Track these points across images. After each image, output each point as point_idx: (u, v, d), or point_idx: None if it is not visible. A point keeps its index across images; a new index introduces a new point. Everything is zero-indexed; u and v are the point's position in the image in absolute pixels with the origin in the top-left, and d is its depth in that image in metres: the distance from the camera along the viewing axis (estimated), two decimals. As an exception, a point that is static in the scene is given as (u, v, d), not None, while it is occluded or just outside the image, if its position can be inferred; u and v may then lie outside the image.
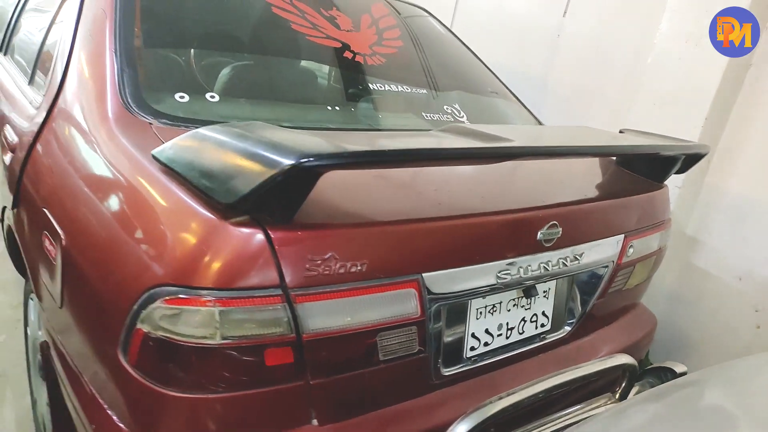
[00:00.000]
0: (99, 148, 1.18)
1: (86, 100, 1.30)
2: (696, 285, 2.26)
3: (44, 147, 1.37)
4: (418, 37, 2.10)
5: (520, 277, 1.26)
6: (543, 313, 1.44)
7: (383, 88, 1.69)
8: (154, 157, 1.04)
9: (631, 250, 1.55)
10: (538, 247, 1.27)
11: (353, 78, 1.68)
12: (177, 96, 1.32)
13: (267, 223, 0.93)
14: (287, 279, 0.93)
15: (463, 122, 1.77)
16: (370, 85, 1.68)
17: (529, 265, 1.27)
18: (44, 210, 1.25)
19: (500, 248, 1.20)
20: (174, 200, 0.99)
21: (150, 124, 1.22)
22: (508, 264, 1.22)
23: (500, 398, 1.08)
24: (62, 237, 1.15)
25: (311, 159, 0.82)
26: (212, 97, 1.36)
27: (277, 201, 0.92)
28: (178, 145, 1.00)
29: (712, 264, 2.23)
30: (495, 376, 1.34)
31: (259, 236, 0.91)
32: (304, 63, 1.65)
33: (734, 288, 2.16)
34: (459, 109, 1.82)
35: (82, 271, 1.11)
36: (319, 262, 0.96)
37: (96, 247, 1.07)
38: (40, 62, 1.67)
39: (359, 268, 1.00)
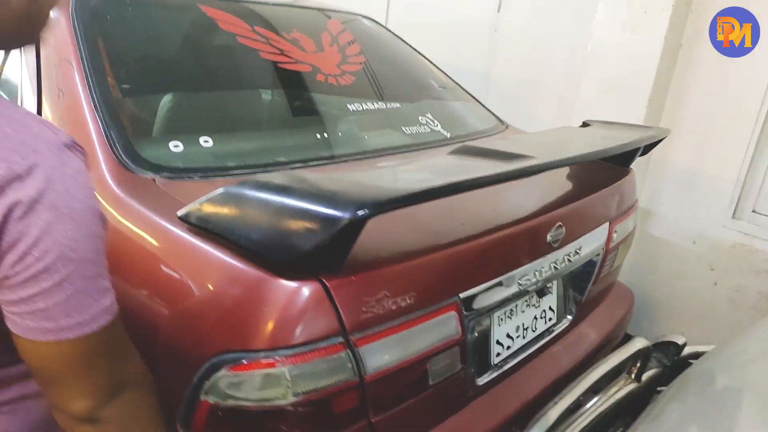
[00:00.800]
0: (108, 215, 1.12)
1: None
2: (654, 252, 2.45)
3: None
4: (375, 48, 2.12)
5: (537, 280, 1.33)
6: (550, 308, 1.52)
7: (360, 108, 1.70)
8: (181, 219, 1.00)
9: (615, 235, 1.66)
10: (548, 249, 1.34)
11: (331, 101, 1.68)
12: (171, 145, 1.26)
13: (321, 273, 0.92)
14: (347, 325, 0.94)
15: (439, 131, 1.82)
16: (348, 106, 1.68)
17: (542, 267, 1.34)
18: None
19: (519, 256, 1.26)
20: (216, 262, 0.96)
21: (153, 179, 1.17)
22: (526, 269, 1.28)
23: (555, 403, 1.14)
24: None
25: (370, 209, 0.83)
26: (206, 141, 1.31)
27: (330, 249, 0.92)
28: (211, 206, 0.97)
29: (667, 231, 2.41)
30: (518, 376, 1.41)
31: (317, 288, 0.91)
32: (282, 92, 1.63)
33: (690, 251, 2.36)
34: (432, 118, 1.86)
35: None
36: (373, 303, 0.97)
37: (139, 327, 1.02)
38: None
39: (408, 301, 1.01)
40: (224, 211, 0.96)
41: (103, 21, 1.48)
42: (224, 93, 1.54)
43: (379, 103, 1.78)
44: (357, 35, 2.03)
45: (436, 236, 1.13)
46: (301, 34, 1.82)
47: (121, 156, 1.18)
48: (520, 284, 1.28)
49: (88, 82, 1.29)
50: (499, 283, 1.21)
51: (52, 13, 1.52)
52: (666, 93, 2.31)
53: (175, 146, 1.27)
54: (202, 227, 0.98)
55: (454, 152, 1.19)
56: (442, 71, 2.25)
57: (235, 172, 1.27)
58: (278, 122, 1.55)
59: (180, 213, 1.00)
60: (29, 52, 1.41)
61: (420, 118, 1.82)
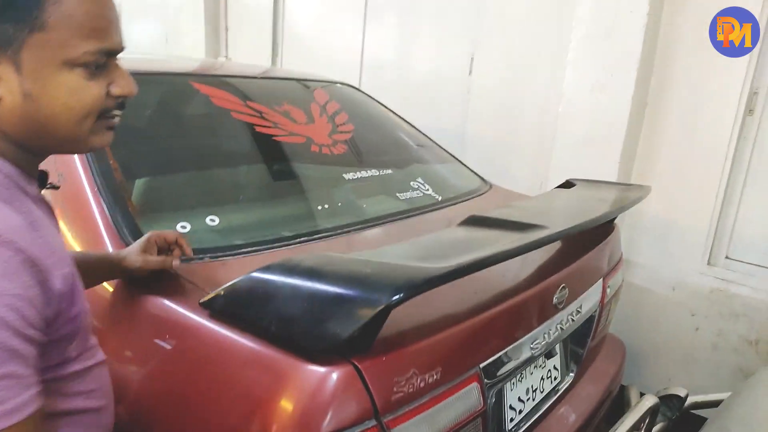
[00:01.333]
0: (117, 304, 1.10)
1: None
2: (636, 300, 2.52)
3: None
4: (361, 115, 2.17)
5: (546, 342, 1.35)
6: (554, 367, 1.53)
7: (356, 176, 1.73)
8: (203, 305, 0.99)
9: (609, 290, 1.71)
10: (554, 311, 1.37)
11: (328, 172, 1.70)
12: (179, 227, 1.26)
13: (351, 355, 0.92)
14: (379, 407, 0.93)
15: (431, 195, 1.86)
16: (344, 176, 1.71)
17: (550, 329, 1.37)
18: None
19: (530, 321, 1.29)
20: (241, 350, 0.94)
21: (164, 263, 1.15)
22: (536, 333, 1.31)
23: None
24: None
25: (405, 292, 0.84)
26: (212, 220, 1.31)
27: (361, 332, 0.92)
28: (236, 292, 0.96)
29: (647, 279, 2.50)
30: (531, 440, 1.41)
31: (349, 371, 0.90)
32: (281, 165, 1.65)
33: (670, 298, 2.44)
34: (423, 182, 1.90)
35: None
36: (403, 382, 0.96)
37: (160, 421, 0.99)
38: None
39: (435, 376, 1.02)
40: (249, 297, 0.96)
41: (100, 102, 1.49)
42: (225, 169, 1.55)
43: (372, 170, 1.82)
44: (343, 104, 2.09)
45: (453, 307, 1.14)
46: (291, 105, 1.86)
47: (128, 240, 1.17)
48: (531, 348, 1.30)
49: (88, 165, 1.28)
50: (514, 350, 1.23)
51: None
52: (636, 148, 2.44)
53: (183, 227, 1.26)
54: (226, 314, 0.97)
55: (466, 224, 1.23)
56: (424, 134, 2.32)
57: (244, 250, 1.26)
58: (279, 195, 1.57)
59: (202, 300, 0.99)
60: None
61: (412, 183, 1.87)
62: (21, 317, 0.61)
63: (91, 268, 0.99)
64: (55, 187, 0.88)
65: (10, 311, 0.59)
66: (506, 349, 1.20)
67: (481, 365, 1.14)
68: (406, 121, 2.36)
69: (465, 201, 1.93)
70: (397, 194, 1.77)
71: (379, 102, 2.41)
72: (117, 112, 0.74)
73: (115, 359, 1.05)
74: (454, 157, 2.30)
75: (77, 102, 0.68)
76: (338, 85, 2.30)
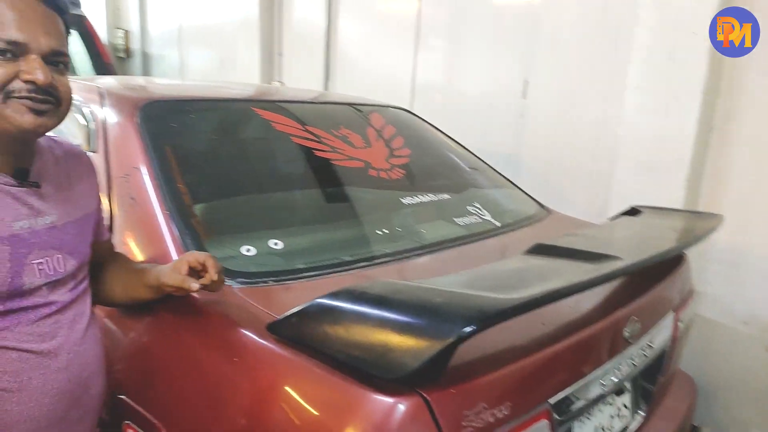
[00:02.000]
0: (186, 324, 1.11)
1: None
2: (704, 334, 2.38)
3: (112, 329, 1.25)
4: (416, 140, 2.17)
5: (617, 378, 1.28)
6: (624, 405, 1.46)
7: (414, 201, 1.72)
8: (270, 330, 0.99)
9: (681, 324, 1.62)
10: (625, 345, 1.30)
11: (386, 196, 1.70)
12: (243, 250, 1.27)
13: (419, 386, 0.89)
14: (448, 441, 0.90)
15: (489, 220, 1.83)
16: (402, 200, 1.70)
17: (621, 365, 1.30)
18: (122, 397, 1.13)
19: (600, 355, 1.23)
20: (308, 376, 0.93)
21: (230, 286, 1.16)
22: (607, 368, 1.24)
23: None
24: (159, 428, 1.05)
25: (477, 324, 0.82)
26: (275, 243, 1.32)
27: (430, 363, 0.89)
28: (303, 318, 0.96)
29: (716, 312, 2.36)
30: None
31: (418, 402, 0.88)
32: (341, 189, 1.65)
33: (742, 332, 2.30)
34: (480, 207, 1.87)
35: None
36: (472, 416, 0.93)
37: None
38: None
39: (504, 411, 0.98)
40: (317, 323, 0.95)
41: (168, 128, 1.54)
42: (287, 193, 1.57)
43: (429, 195, 1.80)
44: (399, 128, 2.09)
45: (521, 338, 1.10)
46: (348, 130, 1.87)
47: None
48: (602, 384, 1.23)
49: (159, 190, 1.32)
50: (585, 385, 1.17)
51: (117, 120, 1.59)
52: (702, 173, 2.34)
53: (247, 250, 1.27)
54: (294, 339, 0.96)
55: (533, 252, 1.19)
56: (479, 158, 2.30)
57: (307, 275, 1.26)
58: (338, 219, 1.57)
59: (269, 324, 0.99)
60: (98, 159, 1.45)
61: (469, 207, 1.84)
62: None
63: (135, 276, 1.11)
64: (37, 186, 0.95)
65: None
66: (576, 384, 1.15)
67: (551, 401, 1.09)
68: (461, 144, 2.34)
69: (524, 227, 1.89)
70: (455, 219, 1.74)
71: (433, 126, 2.40)
72: (32, 95, 0.86)
73: (185, 375, 1.07)
74: (510, 181, 2.26)
75: None
76: (393, 109, 2.31)
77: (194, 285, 1.01)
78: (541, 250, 1.18)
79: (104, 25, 7.01)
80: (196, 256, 1.04)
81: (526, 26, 2.96)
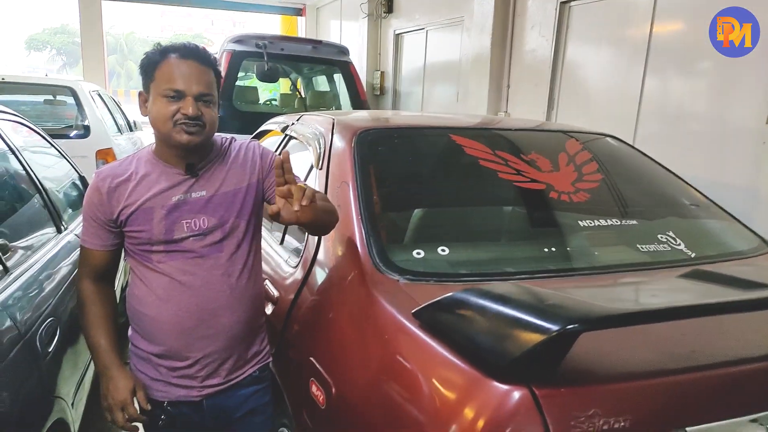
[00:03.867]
0: (359, 306, 1.37)
1: (341, 261, 1.54)
2: None
3: (305, 302, 1.61)
4: (614, 165, 2.14)
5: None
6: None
7: (593, 224, 1.73)
8: (414, 315, 1.18)
9: None
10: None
11: (563, 217, 1.75)
12: (414, 253, 1.49)
13: (532, 381, 0.98)
14: (553, 434, 0.96)
15: (681, 250, 1.72)
16: (580, 223, 1.73)
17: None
18: (311, 359, 1.45)
19: (753, 401, 1.11)
20: (439, 358, 1.10)
21: (397, 281, 1.39)
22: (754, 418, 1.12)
23: None
24: (332, 385, 1.33)
25: (580, 324, 0.88)
26: (443, 250, 1.51)
27: (541, 358, 0.98)
28: (439, 308, 1.13)
29: None
30: None
31: (526, 394, 0.97)
32: (515, 208, 1.77)
33: None
34: (674, 236, 1.77)
35: (349, 420, 1.26)
36: (582, 419, 0.98)
37: (364, 400, 1.22)
38: (290, 228, 2.00)
39: (622, 423, 0.99)
40: (450, 313, 1.11)
41: (375, 150, 1.86)
42: (463, 209, 1.75)
43: (613, 219, 1.78)
44: (596, 153, 2.10)
45: (664, 359, 1.09)
46: (538, 155, 1.97)
47: (376, 259, 1.45)
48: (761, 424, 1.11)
49: (358, 199, 1.63)
50: (727, 427, 1.08)
51: (339, 144, 1.97)
52: None
53: (418, 253, 1.49)
54: (431, 325, 1.14)
55: (686, 276, 1.16)
56: (693, 187, 2.14)
57: (465, 279, 1.42)
58: (507, 235, 1.69)
59: (414, 311, 1.18)
60: (321, 175, 1.84)
61: (660, 236, 1.76)
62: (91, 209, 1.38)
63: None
64: (196, 175, 1.40)
65: (86, 208, 1.38)
66: (725, 422, 1.07)
67: (689, 429, 1.04)
68: (673, 173, 2.21)
69: (728, 261, 1.73)
70: (639, 246, 1.70)
71: (644, 154, 2.32)
72: (189, 122, 1.30)
73: (354, 347, 1.33)
74: (728, 213, 2.05)
75: (160, 113, 1.32)
76: (597, 136, 2.31)
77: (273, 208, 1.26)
78: (696, 275, 1.14)
79: (365, 67, 8.14)
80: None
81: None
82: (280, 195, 1.23)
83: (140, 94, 1.38)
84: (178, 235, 1.37)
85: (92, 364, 2.05)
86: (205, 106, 1.34)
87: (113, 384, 1.36)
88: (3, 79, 5.23)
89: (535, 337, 0.91)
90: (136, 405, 1.39)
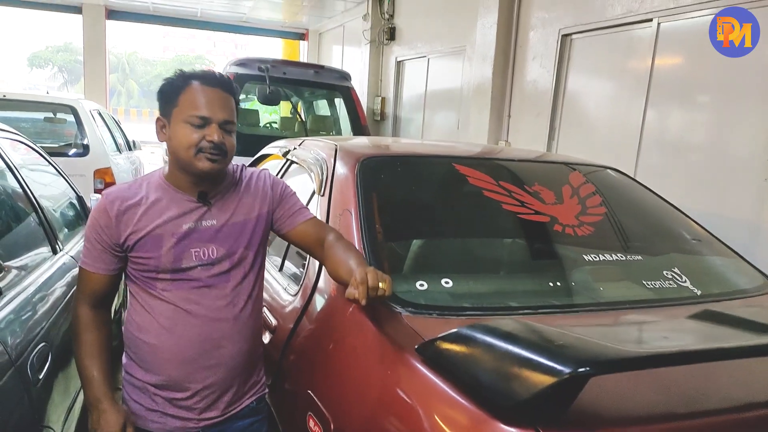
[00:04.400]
0: (360, 338, 1.34)
1: (342, 291, 1.50)
2: None
3: (304, 332, 1.58)
4: (617, 198, 2.13)
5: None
6: None
7: (598, 259, 1.71)
8: (417, 350, 1.15)
9: None
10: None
11: (567, 251, 1.73)
12: (417, 284, 1.47)
13: (539, 424, 0.95)
14: (561, 483, 0.93)
15: (687, 287, 1.70)
16: (585, 257, 1.71)
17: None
18: (309, 392, 1.41)
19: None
20: (442, 395, 1.06)
21: (399, 313, 1.36)
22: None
23: None
24: (330, 421, 1.28)
25: (592, 368, 0.86)
26: (446, 282, 1.49)
27: (550, 401, 0.95)
28: (444, 343, 1.10)
29: None
30: None
31: (532, 437, 0.94)
32: (519, 240, 1.75)
33: None
34: (679, 273, 1.75)
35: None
36: (591, 465, 0.94)
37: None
38: (289, 253, 1.98)
39: (633, 471, 0.96)
40: (455, 349, 1.08)
41: (378, 178, 1.85)
42: (468, 240, 1.73)
43: (618, 254, 1.76)
44: (599, 186, 2.09)
45: (675, 402, 1.06)
46: (542, 186, 1.95)
47: (377, 290, 1.42)
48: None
49: (360, 228, 1.60)
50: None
51: (342, 171, 1.95)
52: None
53: (420, 285, 1.47)
54: (435, 361, 1.11)
55: (696, 318, 1.13)
56: (697, 223, 2.13)
57: (469, 313, 1.40)
58: (512, 269, 1.66)
59: (418, 347, 1.15)
60: (323, 201, 1.82)
61: (665, 272, 1.74)
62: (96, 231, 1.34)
63: (340, 264, 1.38)
64: (209, 204, 1.39)
65: (91, 229, 1.34)
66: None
67: (701, 478, 1.01)
68: (676, 208, 2.20)
69: (734, 299, 1.70)
70: (644, 282, 1.67)
71: (645, 187, 2.31)
72: (214, 151, 1.30)
73: (353, 381, 1.29)
74: (732, 250, 2.04)
75: (183, 140, 1.30)
76: (600, 168, 2.30)
77: (354, 292, 1.22)
78: (706, 316, 1.12)
79: (366, 93, 8.20)
80: (362, 276, 1.22)
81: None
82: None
83: (158, 119, 1.36)
84: (186, 264, 1.35)
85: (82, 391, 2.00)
86: (227, 134, 1.33)
87: (104, 418, 1.31)
88: (4, 96, 5.24)
89: (545, 379, 0.88)
90: None
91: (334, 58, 10.79)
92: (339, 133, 6.48)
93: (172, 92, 1.32)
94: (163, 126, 1.35)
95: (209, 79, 1.33)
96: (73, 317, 1.38)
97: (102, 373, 1.34)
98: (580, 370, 0.86)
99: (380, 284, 1.20)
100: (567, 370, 0.87)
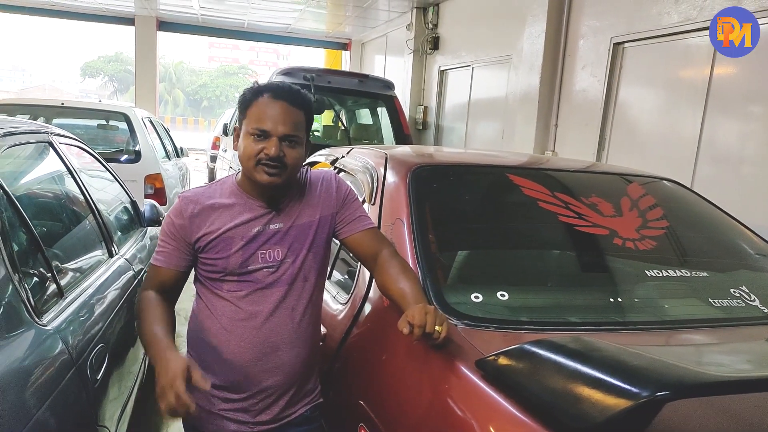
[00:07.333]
0: (414, 352, 1.31)
1: (395, 301, 1.48)
2: None
3: (355, 342, 1.56)
4: (678, 211, 2.04)
5: None
6: None
7: (661, 274, 1.64)
8: (477, 365, 1.12)
9: None
10: None
11: (628, 266, 1.67)
12: (472, 296, 1.43)
13: (609, 448, 0.90)
14: None
15: (756, 306, 1.61)
16: (647, 272, 1.64)
17: None
18: (361, 403, 1.39)
19: None
20: (504, 413, 1.02)
21: (455, 326, 1.32)
22: None
23: None
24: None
25: (672, 391, 0.81)
26: (502, 295, 1.44)
27: (622, 424, 0.90)
28: (506, 359, 1.06)
29: None
30: None
31: (604, 462, 0.89)
32: (576, 254, 1.70)
33: None
34: (747, 291, 1.66)
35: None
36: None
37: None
38: (338, 260, 1.97)
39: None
40: (519, 366, 1.04)
41: (431, 187, 1.82)
42: (524, 252, 1.68)
43: (683, 270, 1.69)
44: (659, 199, 2.01)
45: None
46: (600, 198, 1.89)
47: (432, 301, 1.38)
48: None
49: (413, 238, 1.58)
50: None
51: (393, 179, 1.93)
52: None
53: (476, 297, 1.43)
54: (497, 377, 1.07)
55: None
56: (760, 236, 2.02)
57: (527, 327, 1.35)
58: (571, 283, 1.61)
59: (478, 361, 1.12)
60: (374, 210, 1.81)
61: (732, 290, 1.65)
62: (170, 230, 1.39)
63: (394, 288, 1.36)
64: (277, 209, 1.41)
65: (166, 228, 1.38)
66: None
67: None
68: (738, 221, 2.10)
69: (808, 321, 1.60)
70: (711, 300, 1.59)
71: (707, 200, 2.22)
72: (271, 163, 1.31)
73: (409, 393, 1.26)
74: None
75: (245, 151, 1.33)
76: (658, 180, 2.22)
77: (405, 330, 1.16)
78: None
79: (408, 102, 8.21)
80: (420, 317, 1.16)
81: None
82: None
83: (235, 128, 1.41)
84: (253, 266, 1.37)
85: (134, 390, 2.03)
86: (289, 147, 1.34)
87: (168, 365, 1.21)
88: (63, 104, 5.46)
89: (621, 402, 0.84)
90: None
91: (376, 68, 10.85)
92: (381, 141, 6.49)
93: (243, 104, 1.36)
94: (237, 135, 1.39)
95: (277, 92, 1.34)
96: (139, 300, 1.39)
97: (166, 335, 1.30)
98: (659, 394, 0.81)
99: (436, 328, 1.16)
100: (645, 393, 0.82)
